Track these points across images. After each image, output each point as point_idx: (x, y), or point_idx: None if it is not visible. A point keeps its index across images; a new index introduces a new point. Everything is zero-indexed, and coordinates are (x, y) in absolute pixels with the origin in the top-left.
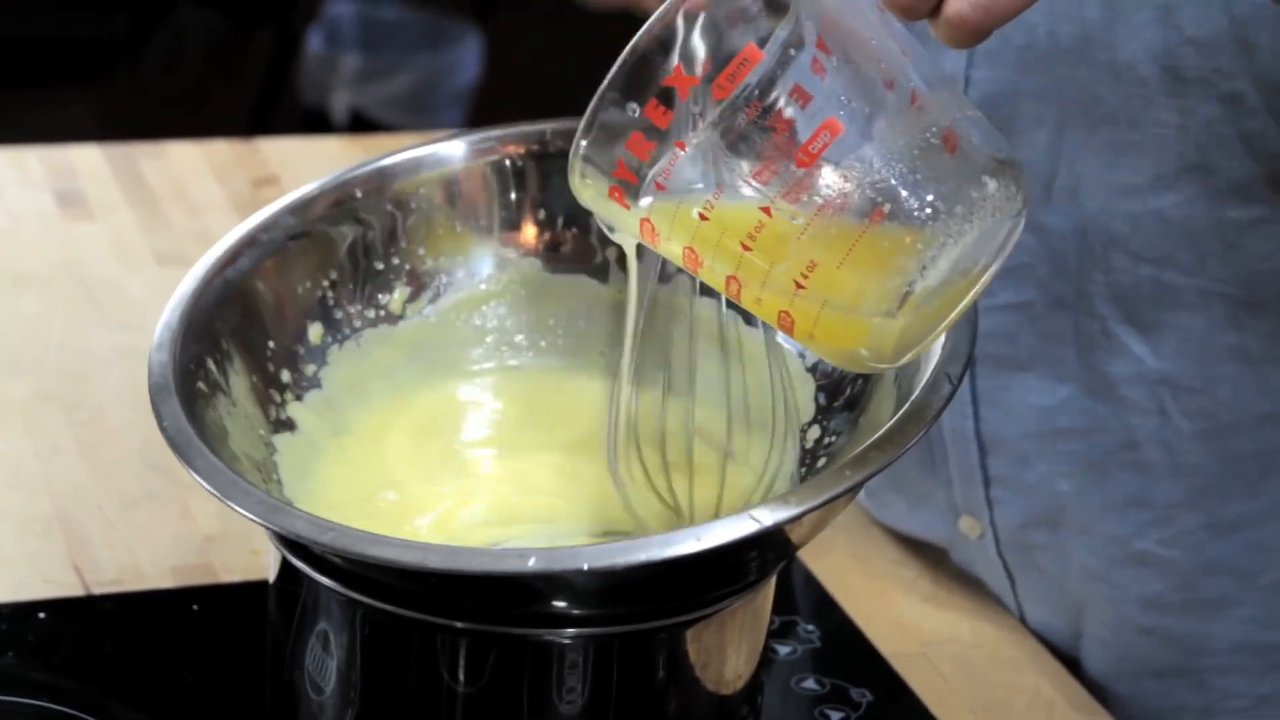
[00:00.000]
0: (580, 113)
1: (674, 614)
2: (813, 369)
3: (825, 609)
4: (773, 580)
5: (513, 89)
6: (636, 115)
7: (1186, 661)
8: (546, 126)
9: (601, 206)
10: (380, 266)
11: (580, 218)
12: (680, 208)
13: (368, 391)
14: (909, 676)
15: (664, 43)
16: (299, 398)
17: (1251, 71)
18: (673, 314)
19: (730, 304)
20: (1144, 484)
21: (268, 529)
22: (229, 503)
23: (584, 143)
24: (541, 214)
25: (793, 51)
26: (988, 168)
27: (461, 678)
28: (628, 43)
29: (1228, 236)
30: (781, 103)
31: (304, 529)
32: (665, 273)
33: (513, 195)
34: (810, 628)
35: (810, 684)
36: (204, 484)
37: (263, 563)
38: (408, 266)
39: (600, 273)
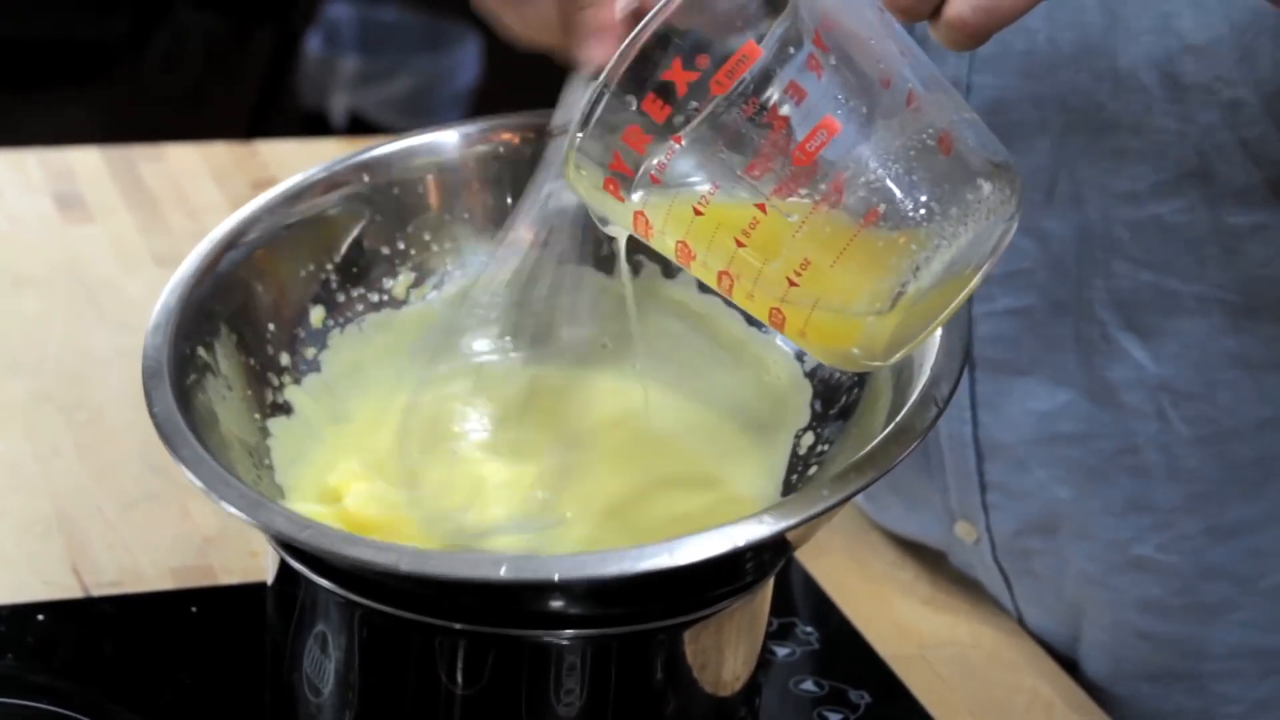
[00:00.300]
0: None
1: (671, 615)
2: (810, 374)
3: (824, 611)
4: (770, 581)
5: (512, 91)
6: (634, 109)
7: (1185, 666)
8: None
9: (595, 199)
10: (386, 251)
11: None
12: (675, 202)
13: (367, 377)
14: (907, 678)
15: (663, 38)
16: (297, 381)
17: (1252, 79)
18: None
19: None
20: (1143, 489)
21: (247, 522)
22: (211, 495)
23: (580, 135)
24: None
25: (791, 49)
26: (983, 170)
27: (460, 679)
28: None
29: (1228, 243)
30: (778, 99)
31: (282, 525)
32: (671, 269)
33: (520, 184)
34: (809, 629)
35: (809, 686)
36: (188, 473)
37: (261, 564)
38: (413, 252)
39: (605, 264)
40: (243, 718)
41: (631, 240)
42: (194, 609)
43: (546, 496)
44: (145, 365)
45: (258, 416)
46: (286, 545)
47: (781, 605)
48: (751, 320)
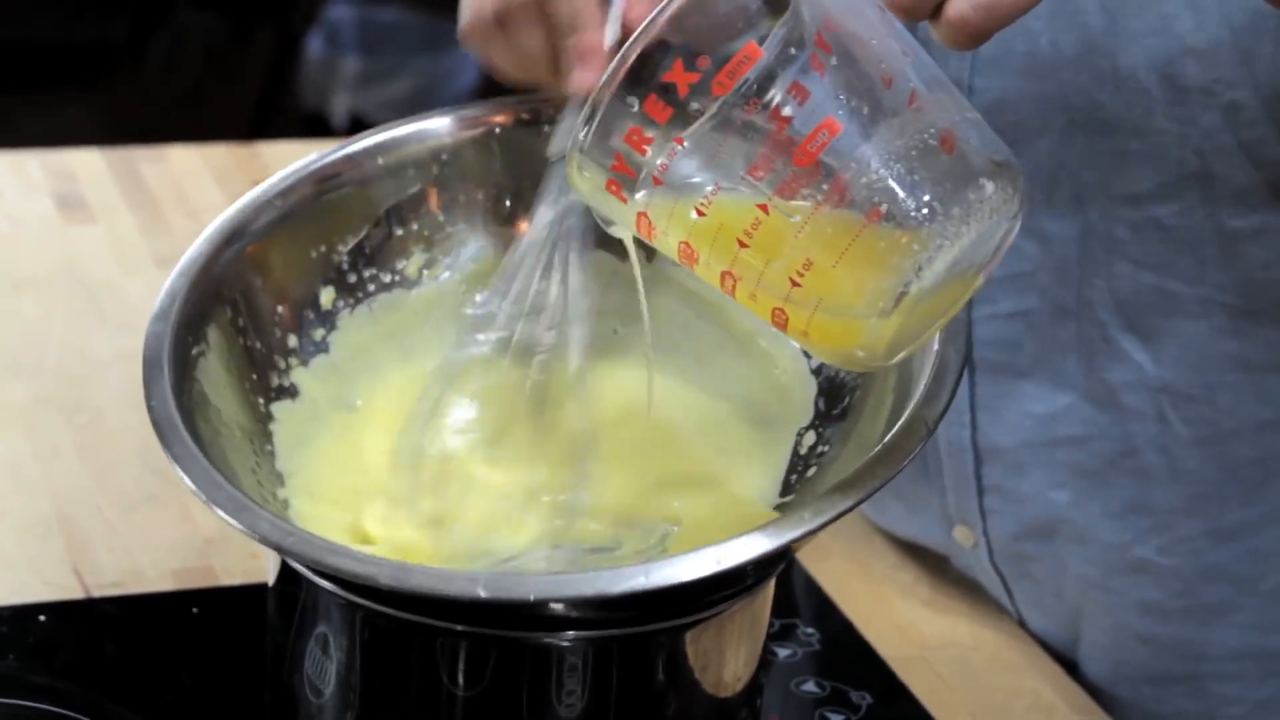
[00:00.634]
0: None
1: (673, 617)
2: (816, 371)
3: (825, 612)
4: (771, 583)
5: (513, 92)
6: (636, 110)
7: (1185, 668)
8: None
9: (598, 199)
10: (400, 232)
11: None
12: (677, 203)
13: (376, 358)
14: (909, 679)
15: (665, 39)
16: (304, 363)
17: (1252, 81)
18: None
19: None
20: (1143, 491)
21: (231, 525)
22: (201, 495)
23: (583, 136)
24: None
25: (793, 50)
26: (985, 170)
27: (461, 681)
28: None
29: (1228, 245)
30: (780, 100)
31: (267, 530)
32: None
33: (527, 166)
34: (810, 631)
35: (810, 687)
36: (179, 470)
37: (262, 565)
38: (426, 233)
39: (619, 248)
40: (244, 719)
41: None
42: (195, 610)
43: (565, 503)
44: (146, 355)
45: (261, 401)
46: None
47: (783, 606)
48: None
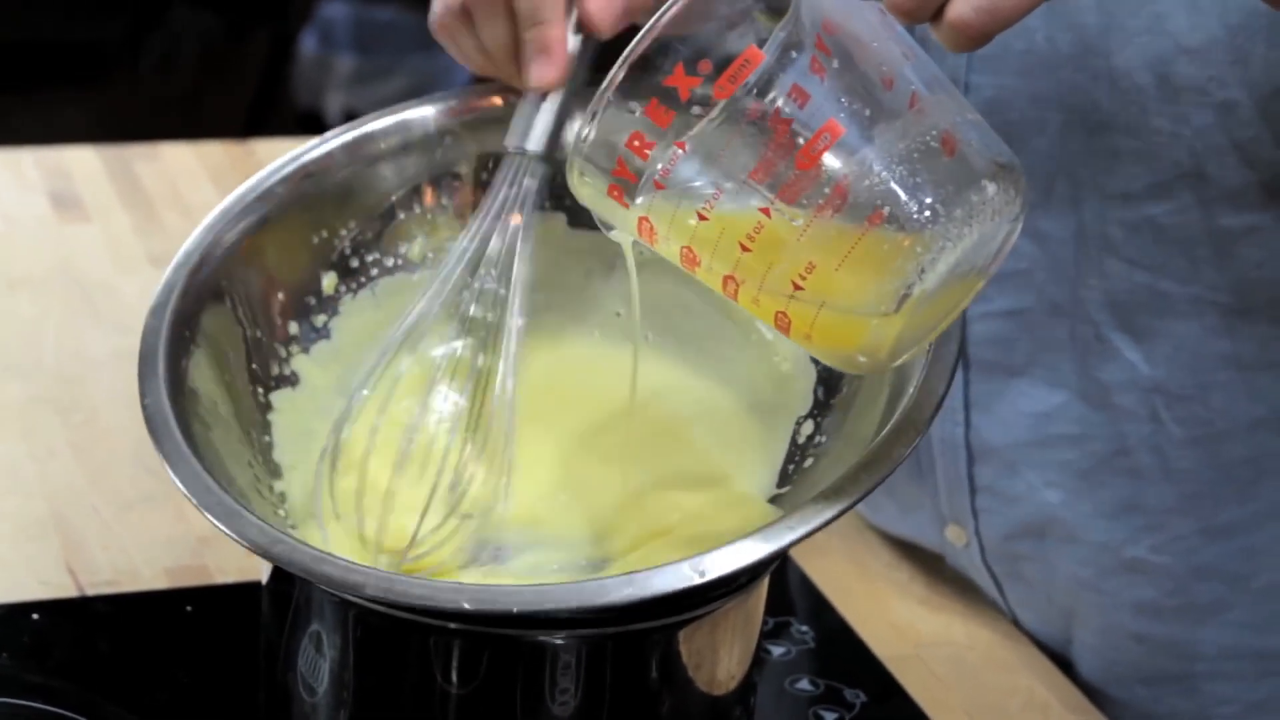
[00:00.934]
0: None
1: (666, 615)
2: (815, 359)
3: (820, 610)
4: (765, 581)
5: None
6: (637, 115)
7: (1178, 667)
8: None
9: (600, 205)
10: (402, 216)
11: None
12: (679, 208)
13: (379, 343)
14: (903, 678)
15: (664, 44)
16: (305, 350)
17: (1245, 80)
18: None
19: None
20: (1136, 490)
21: (219, 529)
22: (191, 498)
23: (584, 141)
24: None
25: (793, 53)
26: (987, 171)
27: (455, 679)
28: (625, 46)
29: (1221, 244)
30: (781, 103)
31: (256, 536)
32: None
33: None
34: (805, 629)
35: (805, 685)
36: (170, 472)
37: (256, 564)
38: (429, 217)
39: (575, 220)
40: (238, 717)
41: None
42: (189, 608)
43: (568, 501)
44: (142, 349)
45: (260, 390)
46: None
47: (777, 604)
48: None
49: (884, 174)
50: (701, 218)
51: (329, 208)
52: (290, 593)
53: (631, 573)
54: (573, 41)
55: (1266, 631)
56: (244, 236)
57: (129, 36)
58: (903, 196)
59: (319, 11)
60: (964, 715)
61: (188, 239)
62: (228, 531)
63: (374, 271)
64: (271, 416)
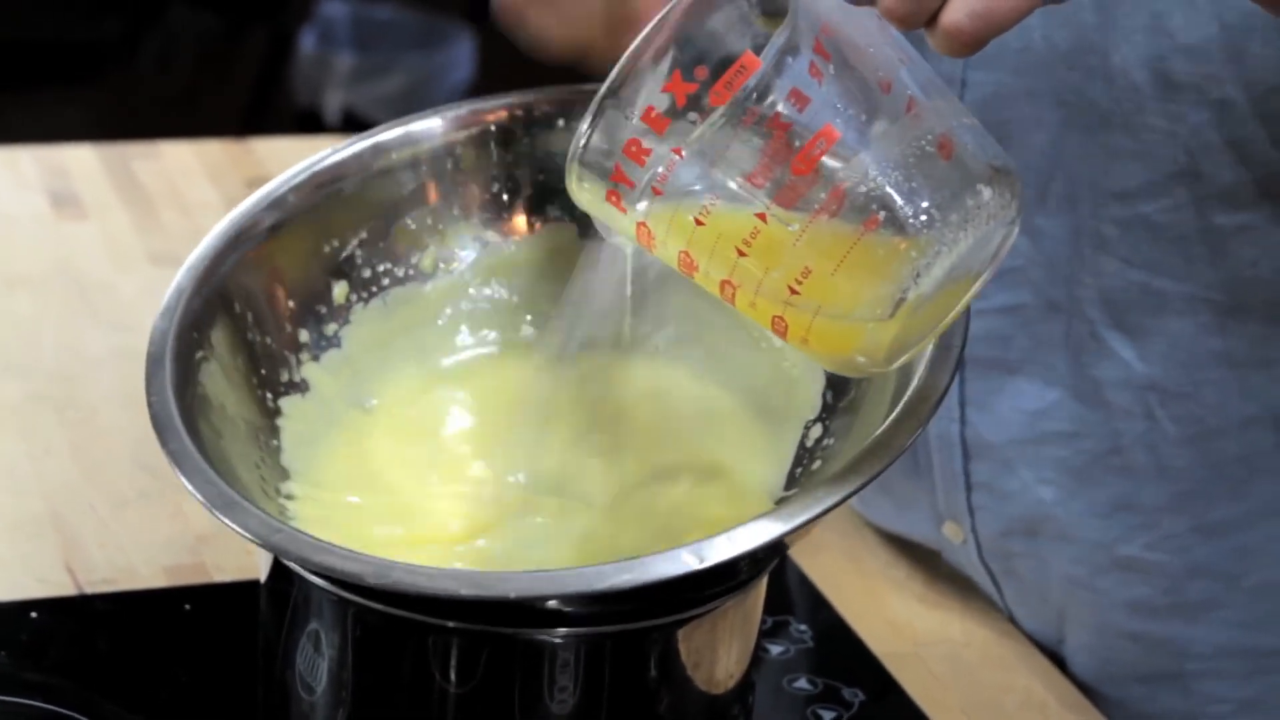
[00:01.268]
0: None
1: (665, 613)
2: None
3: (818, 609)
4: (764, 580)
5: (505, 88)
6: (634, 121)
7: (1171, 666)
8: (586, 87)
9: (598, 210)
10: (413, 226)
11: None
12: (677, 213)
13: (390, 351)
14: (901, 676)
15: (662, 49)
16: (315, 358)
17: (1241, 79)
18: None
19: None
20: (1130, 488)
21: (220, 520)
22: (192, 490)
23: (582, 147)
24: None
25: (790, 59)
26: (983, 175)
27: (453, 677)
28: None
29: (1216, 243)
30: (778, 108)
31: (255, 526)
32: None
33: (546, 160)
34: (803, 627)
35: (802, 683)
36: (174, 467)
37: (255, 562)
38: (441, 227)
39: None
40: (236, 715)
41: None
42: (187, 606)
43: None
44: (150, 350)
45: (269, 396)
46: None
47: (775, 603)
48: None
49: (880, 179)
50: (699, 223)
51: (341, 217)
52: (289, 591)
53: (630, 558)
54: None
55: (1259, 630)
56: (255, 243)
57: (127, 35)
58: (899, 201)
59: (318, 9)
60: (961, 713)
61: (200, 244)
62: (225, 519)
63: (385, 281)
64: (280, 422)
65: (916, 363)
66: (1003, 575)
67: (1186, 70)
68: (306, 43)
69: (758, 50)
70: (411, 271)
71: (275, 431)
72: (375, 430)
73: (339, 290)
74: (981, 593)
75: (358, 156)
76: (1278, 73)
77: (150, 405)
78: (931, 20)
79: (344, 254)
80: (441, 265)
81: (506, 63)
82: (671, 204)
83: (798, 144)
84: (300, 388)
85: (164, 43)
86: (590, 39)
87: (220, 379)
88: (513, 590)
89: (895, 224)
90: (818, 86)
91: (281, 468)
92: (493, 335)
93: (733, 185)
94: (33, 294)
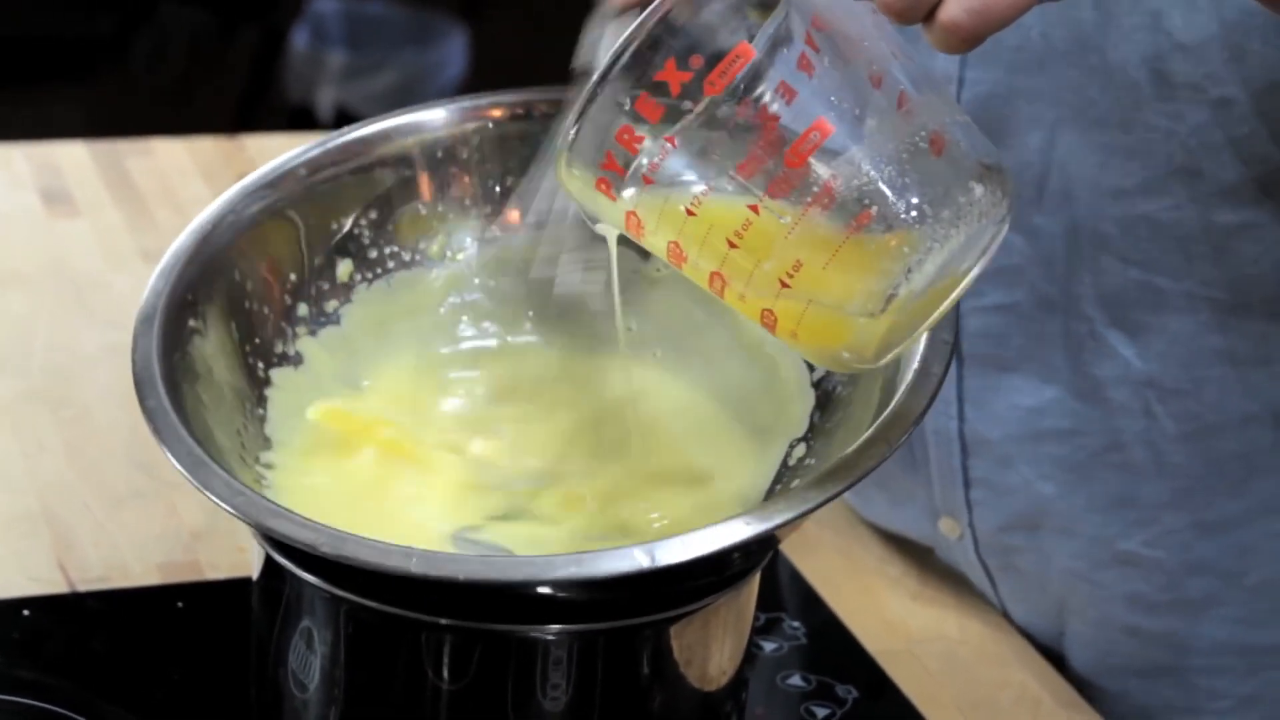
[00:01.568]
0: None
1: (657, 610)
2: (816, 384)
3: (811, 606)
4: (757, 577)
5: (499, 85)
6: (627, 109)
7: (1171, 661)
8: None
9: (587, 198)
10: (424, 211)
11: None
12: (667, 202)
13: (389, 334)
14: (895, 673)
15: (656, 38)
16: (313, 333)
17: (1241, 77)
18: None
19: None
20: (1129, 485)
21: (191, 483)
22: (167, 452)
23: (573, 134)
24: None
25: (783, 50)
26: (975, 173)
27: (446, 674)
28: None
29: (1216, 240)
30: (770, 100)
31: (219, 488)
32: None
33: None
34: (796, 624)
35: (796, 680)
36: (149, 423)
37: (248, 560)
38: (452, 215)
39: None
40: (229, 713)
41: None
42: (180, 604)
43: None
44: (142, 309)
45: (260, 364)
46: (270, 539)
47: (769, 600)
48: None
49: (872, 173)
50: (689, 213)
51: (349, 196)
52: (281, 589)
53: (580, 552)
54: None
55: (1259, 627)
56: (261, 213)
57: (119, 32)
58: (890, 196)
59: (310, 6)
60: (955, 710)
61: (205, 209)
62: (193, 480)
63: (391, 264)
64: (269, 392)
65: (905, 367)
66: (999, 571)
67: (1186, 69)
68: (299, 40)
69: (753, 41)
70: (418, 256)
71: (262, 401)
72: (364, 410)
73: (344, 268)
74: (975, 589)
75: (372, 137)
76: (1278, 71)
77: (134, 363)
78: (929, 16)
79: (351, 232)
80: (449, 253)
81: (499, 59)
82: (662, 193)
83: (790, 136)
84: (294, 360)
85: (156, 40)
86: None
87: (212, 343)
88: (462, 573)
89: (887, 219)
90: (809, 79)
91: (265, 437)
92: (493, 329)
93: (724, 176)
94: (25, 292)
